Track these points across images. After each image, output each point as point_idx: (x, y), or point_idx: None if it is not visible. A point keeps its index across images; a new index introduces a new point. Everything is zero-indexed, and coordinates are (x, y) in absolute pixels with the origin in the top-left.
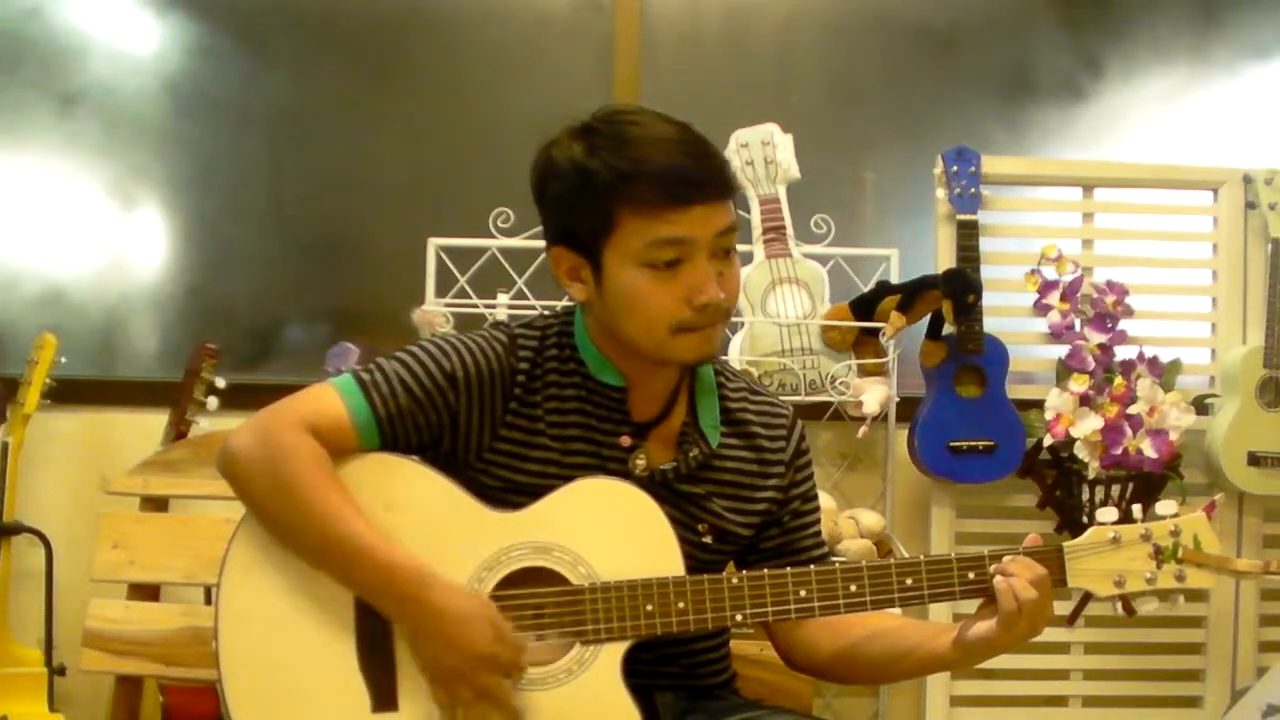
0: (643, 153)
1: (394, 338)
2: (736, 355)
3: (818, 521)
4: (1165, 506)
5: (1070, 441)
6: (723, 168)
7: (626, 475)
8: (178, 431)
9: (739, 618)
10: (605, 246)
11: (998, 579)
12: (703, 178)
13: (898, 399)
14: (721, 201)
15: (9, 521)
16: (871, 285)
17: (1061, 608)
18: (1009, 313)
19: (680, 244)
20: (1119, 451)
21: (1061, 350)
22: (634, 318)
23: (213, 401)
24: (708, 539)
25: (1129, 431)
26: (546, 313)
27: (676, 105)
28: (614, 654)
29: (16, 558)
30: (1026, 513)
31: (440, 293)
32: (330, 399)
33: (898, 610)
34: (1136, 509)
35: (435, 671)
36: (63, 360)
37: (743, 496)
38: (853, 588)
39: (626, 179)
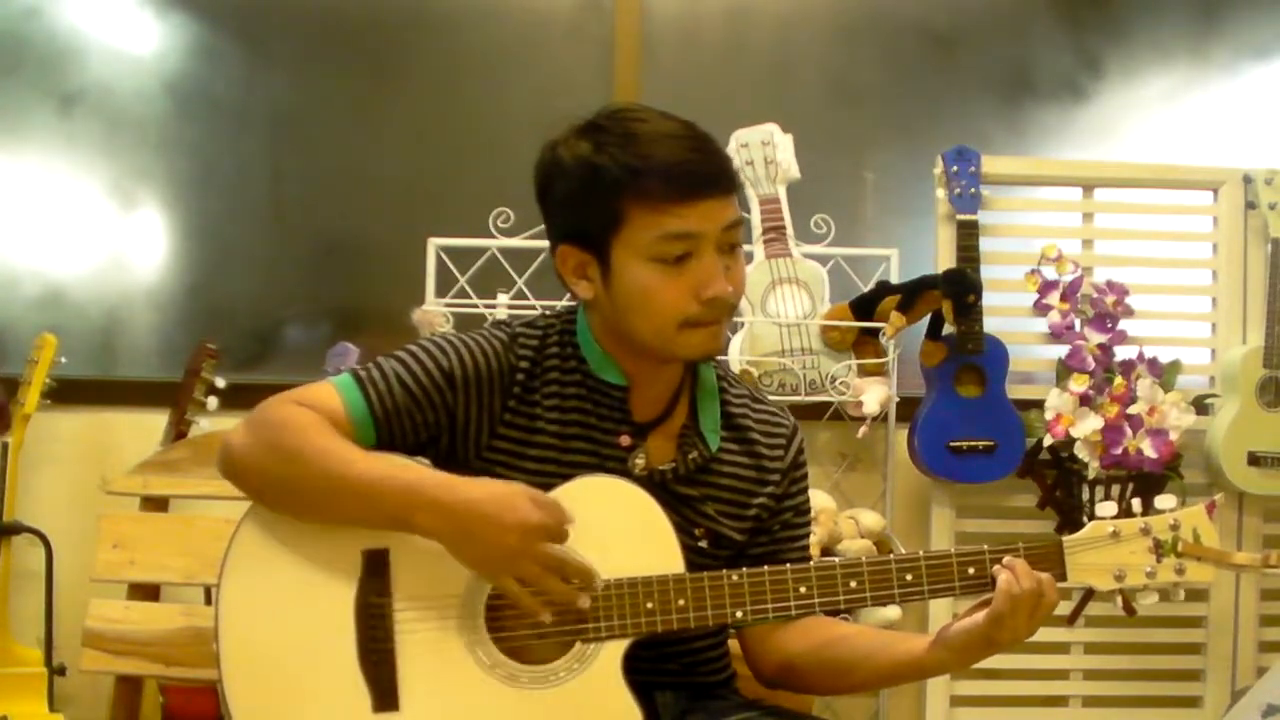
0: (651, 149)
1: (394, 338)
2: (736, 355)
3: (806, 538)
4: (1165, 501)
5: (1070, 441)
6: (727, 163)
7: (625, 475)
8: (178, 431)
9: (739, 614)
10: (613, 242)
11: (1001, 575)
12: (709, 172)
13: (898, 399)
14: (727, 196)
15: (9, 521)
16: (871, 285)
17: (1062, 608)
18: (1009, 313)
19: (689, 238)
20: (1119, 451)
21: (1061, 350)
22: (642, 313)
23: (213, 401)
24: (703, 543)
25: (1129, 431)
26: (548, 312)
27: (676, 105)
28: (615, 652)
29: (16, 558)
30: (1026, 513)
31: (440, 293)
32: (327, 394)
33: (898, 608)
34: (1136, 503)
35: (496, 562)
36: (63, 360)
37: (738, 502)
38: (853, 584)
39: (635, 174)
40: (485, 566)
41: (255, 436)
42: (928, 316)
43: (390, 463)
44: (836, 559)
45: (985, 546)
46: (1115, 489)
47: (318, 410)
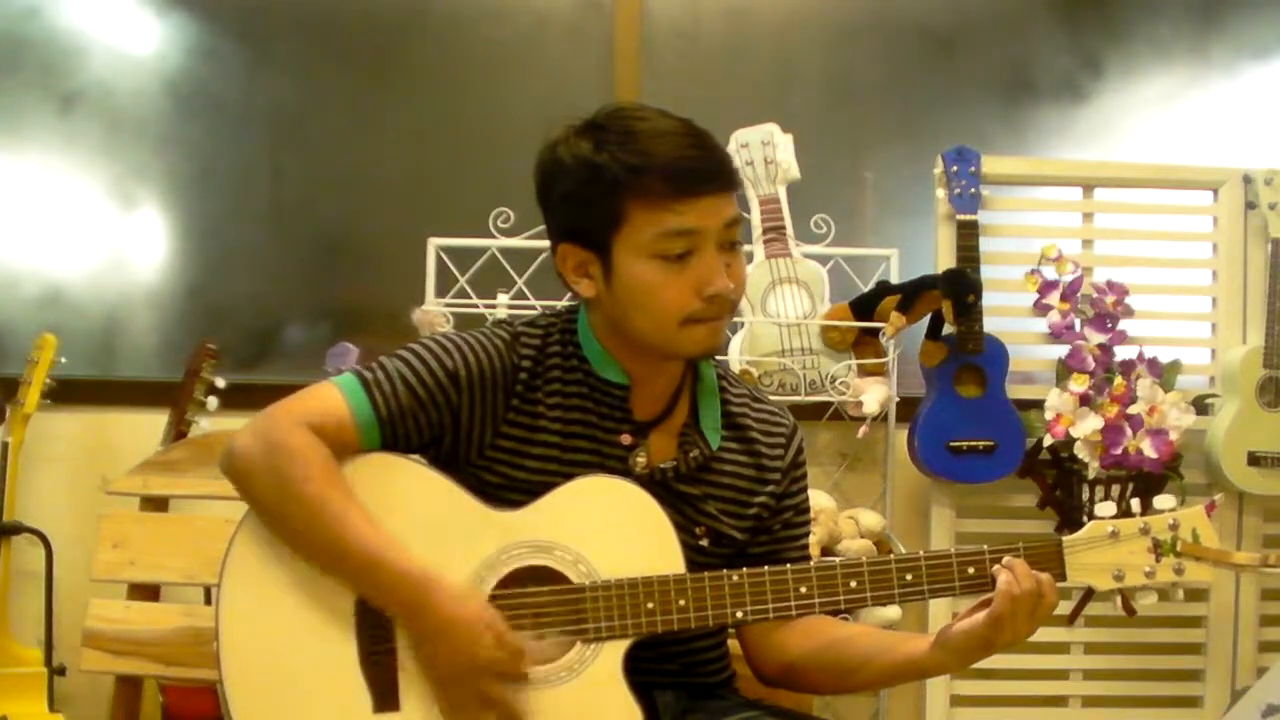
0: (651, 146)
1: (394, 338)
2: (736, 355)
3: (806, 536)
4: (1164, 501)
5: (1070, 441)
6: (727, 160)
7: (626, 473)
8: (178, 431)
9: (740, 615)
10: (615, 240)
11: (1001, 575)
12: (710, 169)
13: (898, 399)
14: (727, 193)
15: (9, 521)
16: (871, 285)
17: (1061, 608)
18: (1009, 313)
19: (690, 235)
20: (1119, 451)
21: (1061, 350)
22: (644, 310)
23: (213, 401)
24: (704, 542)
25: (1129, 431)
26: (549, 312)
27: (676, 105)
28: (615, 652)
29: (16, 558)
30: (1026, 513)
31: (440, 293)
32: (333, 398)
33: (898, 608)
34: (1135, 503)
35: (439, 675)
36: (63, 360)
37: (739, 500)
38: (853, 584)
39: (636, 172)
40: (432, 674)
41: (261, 456)
42: (928, 316)
43: (384, 539)
44: (837, 559)
45: (985, 546)
46: (1115, 489)
47: (325, 422)
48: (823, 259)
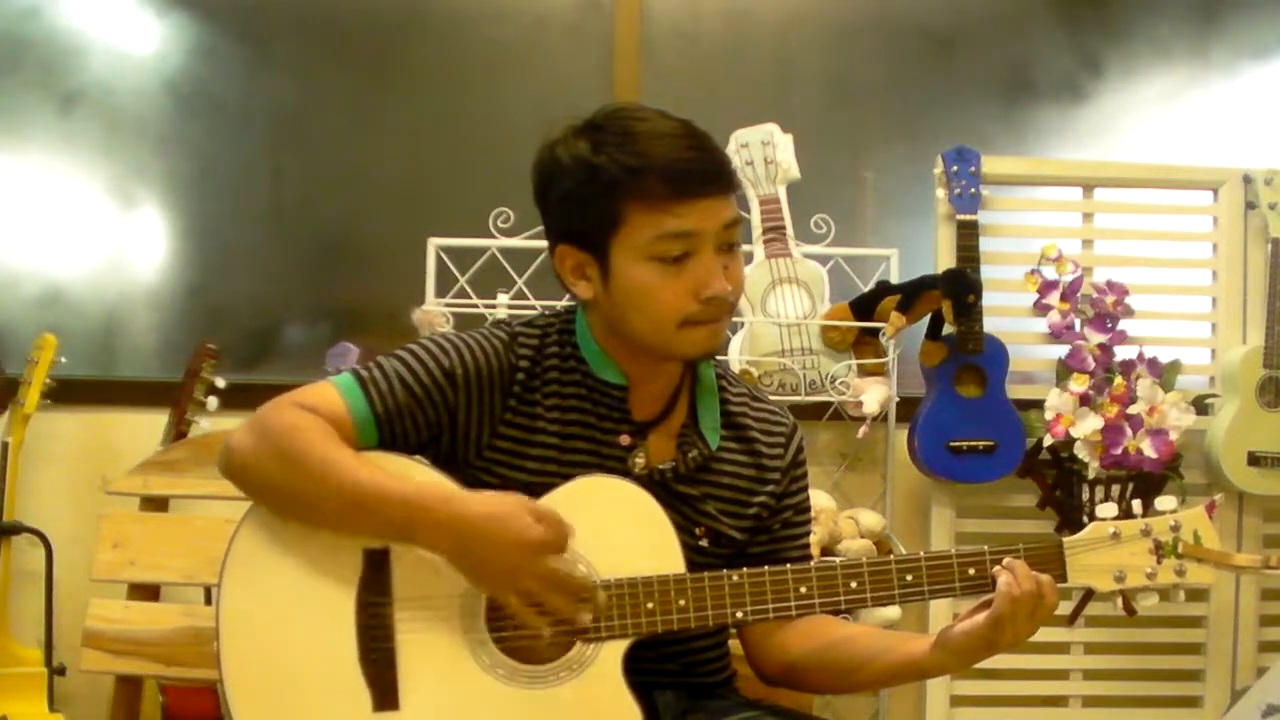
0: (649, 148)
1: (394, 338)
2: (736, 355)
3: (807, 535)
4: (1165, 502)
5: (1070, 441)
6: (726, 162)
7: (625, 474)
8: (178, 431)
9: (740, 615)
10: (612, 242)
11: (1001, 576)
12: (708, 171)
13: (898, 399)
14: (726, 195)
15: (9, 521)
16: (871, 285)
17: (1062, 608)
18: (1009, 313)
19: (688, 237)
20: (1119, 451)
21: (1061, 350)
22: (642, 312)
23: (213, 401)
24: (704, 542)
25: (1129, 431)
26: (547, 312)
27: (676, 105)
28: (615, 652)
29: (16, 558)
30: (1026, 513)
31: (440, 293)
32: (329, 396)
33: (898, 608)
34: (1136, 504)
35: (496, 578)
36: (63, 360)
37: (738, 500)
38: (853, 584)
39: (634, 174)
40: (485, 582)
41: (259, 441)
42: (928, 316)
43: (393, 475)
44: (837, 559)
45: (985, 547)
46: (1115, 489)
47: (320, 414)
48: (823, 259)
